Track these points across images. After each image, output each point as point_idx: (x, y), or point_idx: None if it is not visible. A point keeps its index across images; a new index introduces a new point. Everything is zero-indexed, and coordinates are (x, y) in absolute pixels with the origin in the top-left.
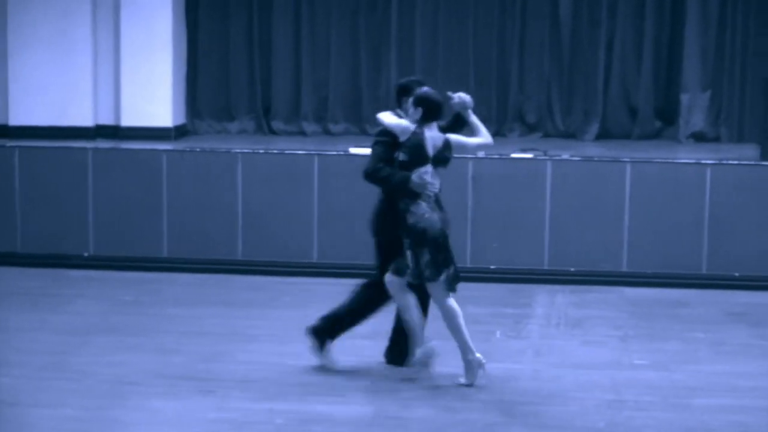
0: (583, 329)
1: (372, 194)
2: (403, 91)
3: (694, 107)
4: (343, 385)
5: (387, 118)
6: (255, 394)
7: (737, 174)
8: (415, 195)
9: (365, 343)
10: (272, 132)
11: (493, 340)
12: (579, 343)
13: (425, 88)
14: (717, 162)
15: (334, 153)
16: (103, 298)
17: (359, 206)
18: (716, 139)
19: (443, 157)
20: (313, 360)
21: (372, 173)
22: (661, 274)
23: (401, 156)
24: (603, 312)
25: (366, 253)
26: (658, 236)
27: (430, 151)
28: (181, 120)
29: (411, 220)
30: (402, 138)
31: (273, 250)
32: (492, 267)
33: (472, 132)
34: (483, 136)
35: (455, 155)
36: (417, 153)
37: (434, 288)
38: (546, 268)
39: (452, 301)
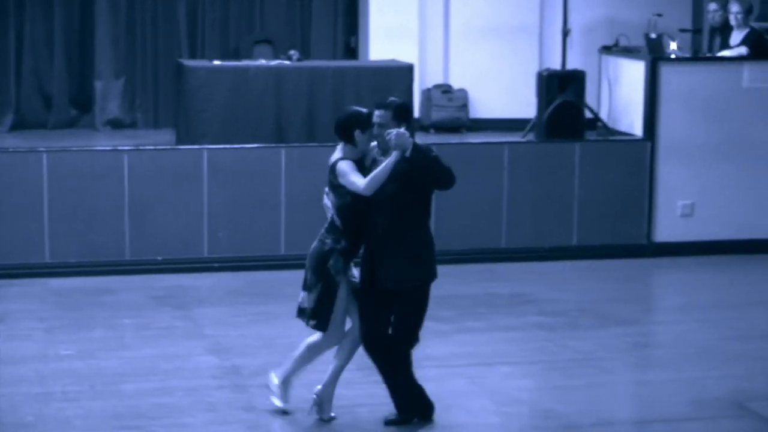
0: (6, 324)
1: None
2: None
3: (109, 94)
4: None
5: None
6: None
7: (154, 159)
8: None
9: None
10: None
11: None
12: (2, 339)
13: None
14: (134, 148)
15: None
16: None
17: None
18: (133, 126)
19: (329, 181)
20: None
21: None
22: (84, 263)
23: None
24: (26, 305)
25: None
26: (80, 224)
27: (329, 173)
28: None
29: None
30: None
31: None
32: None
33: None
34: (365, 180)
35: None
36: None
37: None
38: None
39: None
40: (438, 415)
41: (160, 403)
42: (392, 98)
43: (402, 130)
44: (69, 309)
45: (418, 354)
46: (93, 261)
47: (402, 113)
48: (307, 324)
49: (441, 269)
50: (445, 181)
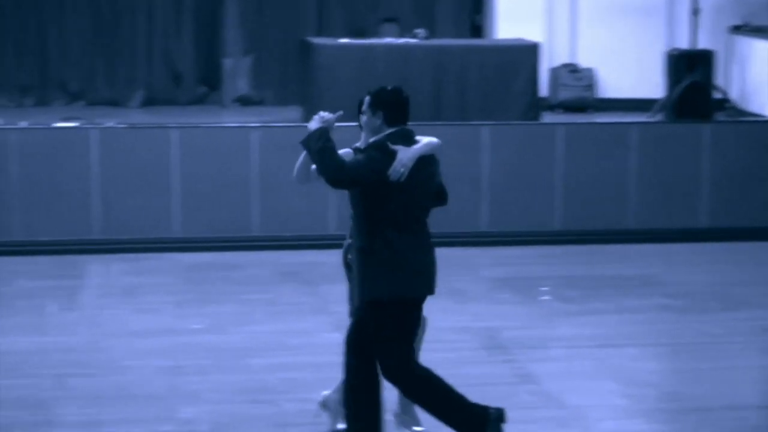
0: (137, 297)
1: None
2: None
3: (237, 72)
4: None
5: None
6: None
7: (282, 136)
8: None
9: None
10: None
11: (46, 314)
12: (134, 311)
13: None
14: (262, 125)
15: None
16: None
17: None
18: (260, 103)
19: None
20: None
21: None
22: (213, 238)
23: None
24: (157, 279)
25: None
26: (209, 200)
27: None
28: None
29: None
30: None
31: None
32: (42, 239)
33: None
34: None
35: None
36: None
37: None
38: (96, 237)
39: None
40: (563, 395)
41: (287, 378)
42: (384, 86)
43: (325, 114)
44: (199, 283)
45: (545, 334)
46: (221, 236)
47: (378, 101)
48: None
49: (567, 249)
50: (324, 174)
